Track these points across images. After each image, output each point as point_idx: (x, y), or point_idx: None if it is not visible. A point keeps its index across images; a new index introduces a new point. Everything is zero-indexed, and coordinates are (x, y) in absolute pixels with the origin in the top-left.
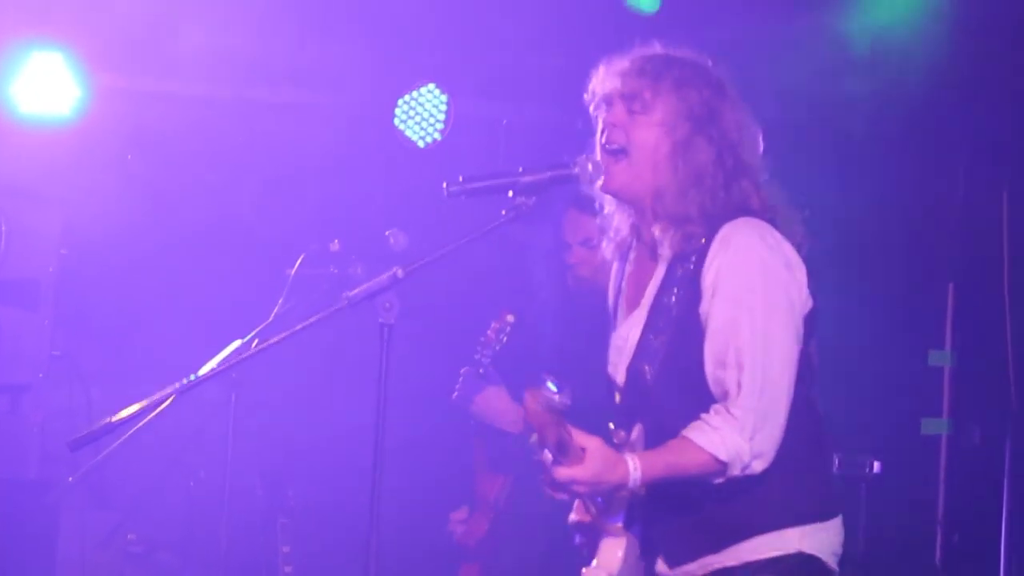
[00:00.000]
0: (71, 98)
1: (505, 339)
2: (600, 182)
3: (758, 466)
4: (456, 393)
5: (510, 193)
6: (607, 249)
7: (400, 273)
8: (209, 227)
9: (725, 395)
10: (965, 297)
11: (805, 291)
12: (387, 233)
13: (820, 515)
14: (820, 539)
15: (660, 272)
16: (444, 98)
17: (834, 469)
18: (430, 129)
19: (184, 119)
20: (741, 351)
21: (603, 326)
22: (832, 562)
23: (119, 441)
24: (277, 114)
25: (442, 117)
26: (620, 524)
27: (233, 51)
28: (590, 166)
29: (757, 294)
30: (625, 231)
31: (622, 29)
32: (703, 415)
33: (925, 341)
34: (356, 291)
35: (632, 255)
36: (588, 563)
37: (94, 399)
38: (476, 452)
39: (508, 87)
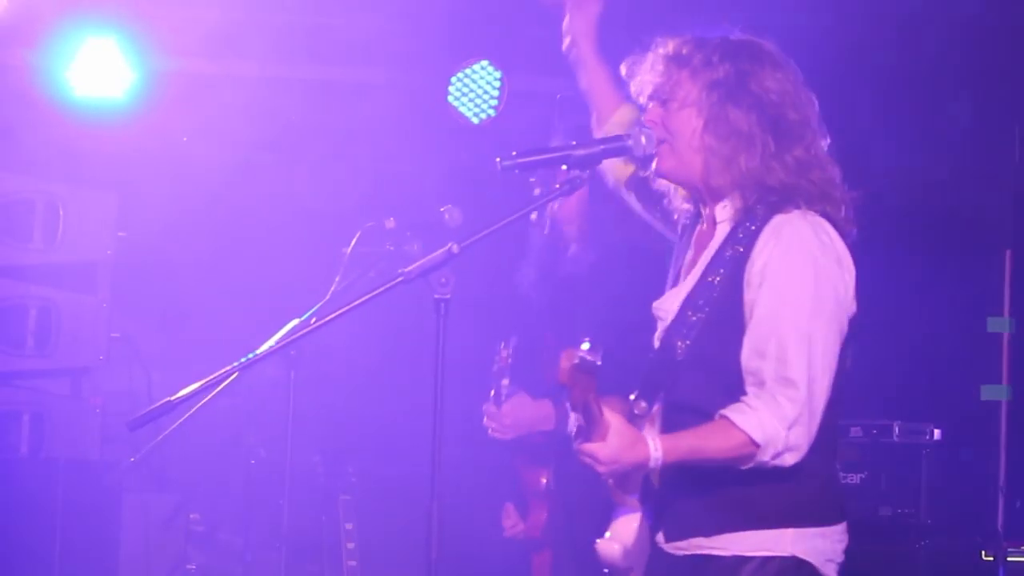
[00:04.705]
0: (125, 82)
1: (511, 360)
2: (652, 166)
3: (790, 459)
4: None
5: (564, 167)
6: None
7: (455, 248)
8: (265, 206)
9: (760, 385)
10: (1023, 263)
11: (852, 293)
12: (442, 209)
13: (820, 520)
14: (816, 545)
15: (712, 250)
16: (498, 74)
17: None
18: (484, 106)
19: (239, 100)
20: (785, 345)
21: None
22: (828, 570)
23: (179, 421)
24: (332, 93)
25: (496, 93)
26: (636, 498)
27: (287, 30)
28: (643, 139)
29: (807, 288)
30: (685, 210)
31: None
32: (744, 397)
33: (984, 307)
34: (412, 267)
35: (695, 232)
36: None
37: (154, 380)
38: (514, 454)
39: (562, 62)
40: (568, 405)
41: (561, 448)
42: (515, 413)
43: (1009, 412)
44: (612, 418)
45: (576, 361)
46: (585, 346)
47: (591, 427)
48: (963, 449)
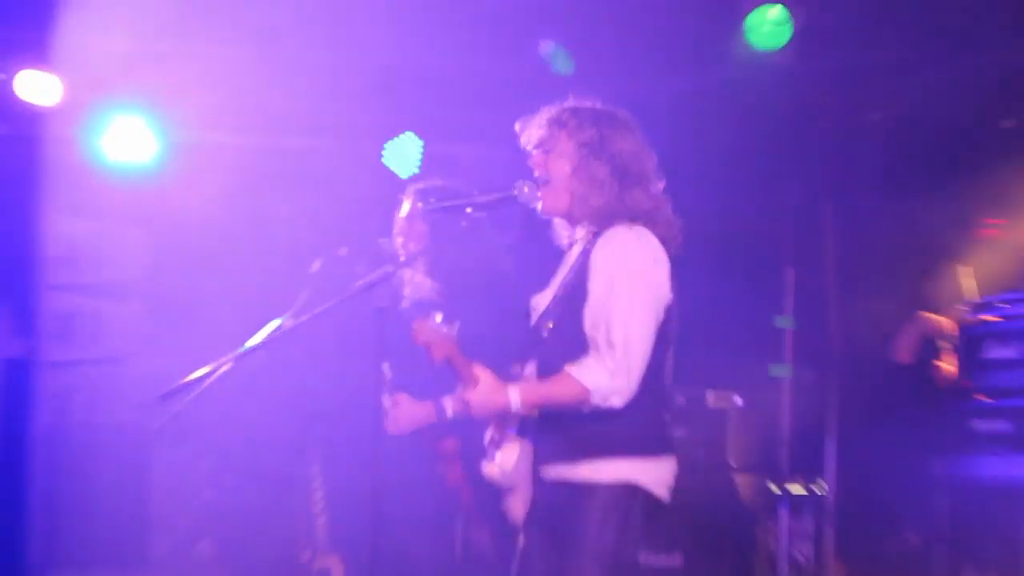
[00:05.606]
0: (150, 151)
1: (392, 377)
2: (539, 206)
3: (616, 400)
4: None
5: (468, 209)
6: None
7: (390, 269)
8: (253, 239)
9: (597, 348)
10: (801, 277)
11: (667, 284)
12: (379, 240)
13: (652, 452)
14: (648, 471)
15: (571, 259)
16: (420, 143)
17: (669, 420)
18: (410, 164)
19: (234, 163)
20: (610, 319)
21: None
22: (660, 490)
23: (194, 394)
24: (302, 156)
25: (419, 155)
26: (514, 432)
27: (262, 108)
28: (526, 188)
29: (624, 277)
30: (564, 235)
31: (551, 86)
32: (583, 358)
33: (772, 309)
34: (358, 284)
35: (571, 249)
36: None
37: (175, 366)
38: (424, 436)
39: (469, 131)
40: (428, 360)
41: (463, 428)
42: (403, 415)
43: (791, 384)
44: (481, 373)
45: (430, 327)
46: (438, 318)
47: (463, 381)
48: (757, 411)
